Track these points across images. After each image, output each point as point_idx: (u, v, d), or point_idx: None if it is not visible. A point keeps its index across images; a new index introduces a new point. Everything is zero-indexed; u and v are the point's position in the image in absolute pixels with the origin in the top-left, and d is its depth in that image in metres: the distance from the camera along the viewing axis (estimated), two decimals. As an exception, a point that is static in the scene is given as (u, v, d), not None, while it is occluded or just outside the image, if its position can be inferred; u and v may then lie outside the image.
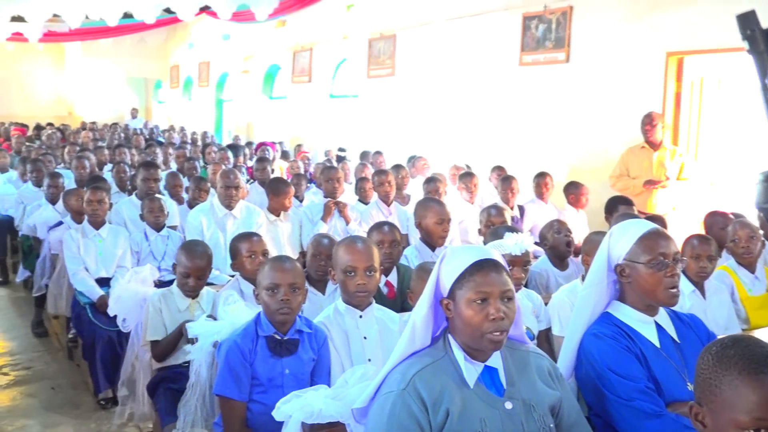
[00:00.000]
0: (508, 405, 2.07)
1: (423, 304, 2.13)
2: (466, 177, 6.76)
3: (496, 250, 2.18)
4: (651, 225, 2.48)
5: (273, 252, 4.67)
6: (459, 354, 2.10)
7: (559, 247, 4.51)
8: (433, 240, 4.51)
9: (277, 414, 2.41)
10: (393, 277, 3.93)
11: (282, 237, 5.72)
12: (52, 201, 6.61)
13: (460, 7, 9.78)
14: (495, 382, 2.11)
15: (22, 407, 4.78)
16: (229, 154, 9.46)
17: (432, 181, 6.54)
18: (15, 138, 12.28)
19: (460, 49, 9.95)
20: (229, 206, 5.48)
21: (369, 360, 2.87)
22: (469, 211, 6.37)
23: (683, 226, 6.16)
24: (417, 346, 2.13)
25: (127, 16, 13.23)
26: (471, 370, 2.08)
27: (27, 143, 12.03)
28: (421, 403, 2.01)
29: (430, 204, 4.65)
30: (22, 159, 9.10)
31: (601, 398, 2.37)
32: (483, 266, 2.05)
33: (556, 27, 8.48)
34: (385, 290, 3.82)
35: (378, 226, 4.08)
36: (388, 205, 6.30)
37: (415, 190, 7.28)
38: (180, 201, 6.47)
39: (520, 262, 3.44)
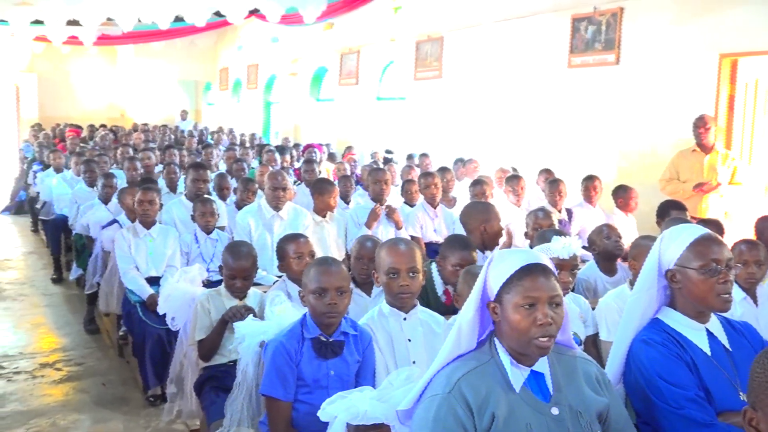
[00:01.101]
0: (555, 411, 2.05)
1: (469, 307, 2.12)
2: (513, 180, 6.71)
3: (544, 255, 2.16)
4: (703, 230, 2.43)
5: (319, 253, 4.69)
6: (505, 358, 2.08)
7: (608, 252, 4.44)
8: (492, 243, 4.55)
9: (323, 414, 2.42)
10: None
11: (328, 238, 5.74)
12: (105, 201, 6.76)
13: (508, 9, 9.72)
14: (541, 387, 2.10)
15: (74, 402, 4.89)
16: (276, 155, 9.54)
17: (478, 184, 6.51)
18: (70, 139, 12.57)
19: (507, 51, 9.89)
20: (277, 207, 5.53)
21: (413, 362, 2.87)
22: (515, 215, 6.32)
23: (736, 231, 6.03)
24: (462, 349, 2.13)
25: (178, 19, 13.43)
26: (517, 375, 2.07)
27: (81, 144, 12.31)
28: (467, 406, 2.00)
29: (490, 207, 4.73)
30: (77, 154, 9.33)
31: (650, 406, 2.34)
32: (531, 271, 2.04)
33: (606, 28, 8.37)
34: (443, 298, 3.80)
35: (461, 247, 3.82)
36: (434, 208, 6.28)
37: (462, 192, 7.26)
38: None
39: (568, 266, 3.41)
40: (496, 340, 2.12)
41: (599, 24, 8.45)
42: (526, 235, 5.04)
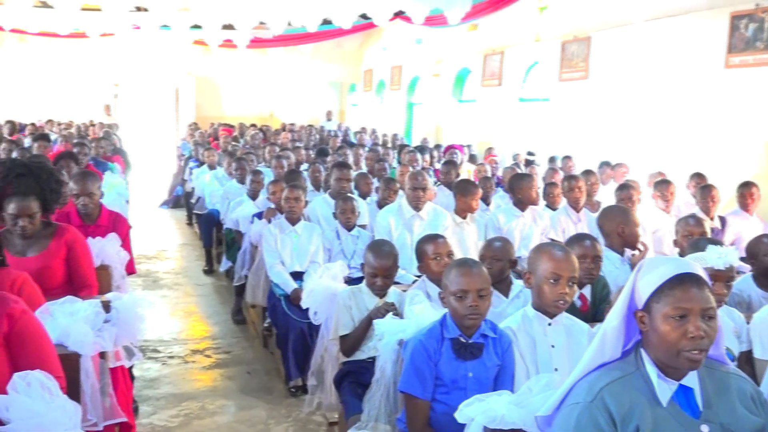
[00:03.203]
0: (705, 428, 1.96)
1: (615, 315, 2.06)
2: (662, 184, 6.44)
3: (698, 264, 2.06)
4: None
5: (458, 254, 4.69)
6: (652, 370, 2.01)
7: (768, 268, 4.14)
8: (629, 247, 4.47)
9: (460, 416, 2.42)
10: (586, 290, 3.81)
11: (468, 240, 5.72)
12: (254, 197, 7.05)
13: (660, 7, 9.32)
14: (690, 402, 2.01)
15: (222, 388, 5.14)
16: (418, 156, 9.61)
17: (625, 188, 6.28)
18: (223, 138, 13.19)
19: (659, 51, 9.48)
20: (417, 207, 5.57)
21: (556, 369, 2.82)
22: (664, 221, 6.07)
23: None
24: (606, 358, 2.07)
25: (326, 22, 13.82)
26: (664, 388, 1.99)
27: (233, 142, 12.89)
28: (609, 417, 1.94)
29: (628, 211, 4.65)
30: (228, 153, 9.78)
31: (812, 430, 2.18)
32: (684, 280, 1.95)
33: (769, 26, 7.87)
34: (578, 303, 3.71)
35: (579, 239, 3.87)
36: (578, 212, 6.13)
37: (606, 196, 7.04)
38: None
39: (723, 277, 3.23)
40: (642, 350, 2.05)
41: (761, 22, 7.95)
42: (676, 243, 4.83)
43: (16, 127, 14.14)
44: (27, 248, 3.72)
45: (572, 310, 3.52)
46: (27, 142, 10.40)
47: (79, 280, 3.84)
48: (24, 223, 3.64)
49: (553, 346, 2.91)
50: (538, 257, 3.00)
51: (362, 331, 3.74)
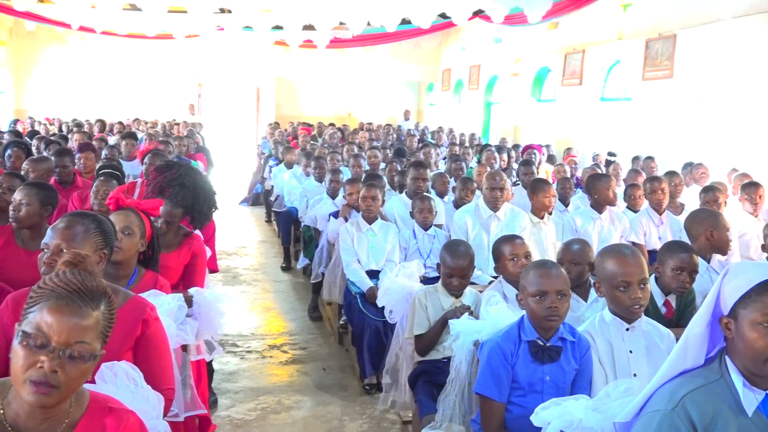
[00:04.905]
0: (792, 440, 1.88)
1: (699, 321, 2.00)
2: (751, 187, 6.20)
3: (787, 270, 1.98)
4: None
5: (536, 255, 4.63)
6: (737, 378, 1.94)
7: None
8: (721, 251, 4.33)
9: (536, 419, 2.40)
10: (672, 296, 3.71)
11: (546, 240, 5.64)
12: (333, 195, 7.12)
13: (750, 3, 8.98)
14: (777, 413, 1.93)
15: (298, 383, 5.22)
16: (496, 155, 9.53)
17: (710, 191, 6.08)
18: (302, 137, 13.37)
19: (748, 50, 9.13)
20: (494, 208, 5.53)
21: (634, 375, 2.75)
22: (752, 225, 5.85)
23: None
24: (688, 364, 2.01)
25: (405, 21, 13.86)
26: (750, 398, 1.92)
27: (311, 141, 13.05)
28: (691, 426, 1.89)
29: (718, 215, 4.51)
30: (306, 154, 9.90)
31: None
32: (774, 286, 1.88)
33: None
34: (663, 310, 3.61)
35: (678, 249, 3.68)
36: (660, 214, 5.97)
37: (691, 199, 6.84)
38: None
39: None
40: (727, 358, 1.98)
41: None
42: (764, 247, 4.67)
43: (105, 126, 14.67)
44: None
45: (657, 316, 3.44)
46: (113, 140, 10.77)
47: (189, 286, 3.93)
48: (161, 224, 3.79)
49: (631, 352, 2.84)
50: (604, 265, 2.93)
51: (437, 331, 3.75)
